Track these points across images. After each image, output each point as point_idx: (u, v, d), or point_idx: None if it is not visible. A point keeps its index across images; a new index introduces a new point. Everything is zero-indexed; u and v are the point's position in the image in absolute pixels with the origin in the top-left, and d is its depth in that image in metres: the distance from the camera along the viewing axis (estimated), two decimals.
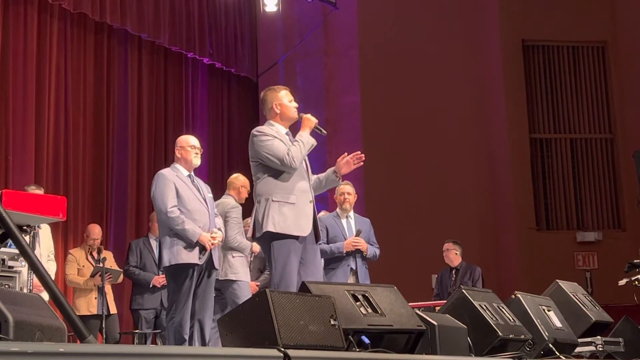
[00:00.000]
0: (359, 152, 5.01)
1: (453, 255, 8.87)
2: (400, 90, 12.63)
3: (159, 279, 7.96)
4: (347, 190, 7.19)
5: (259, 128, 5.00)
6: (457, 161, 12.58)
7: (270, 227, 4.75)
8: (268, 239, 4.79)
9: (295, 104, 5.08)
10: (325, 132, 5.12)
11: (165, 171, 5.76)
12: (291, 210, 4.78)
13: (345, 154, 5.03)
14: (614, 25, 13.23)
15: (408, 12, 12.95)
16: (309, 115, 5.00)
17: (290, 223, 4.76)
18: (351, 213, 7.21)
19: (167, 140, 11.20)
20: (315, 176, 5.15)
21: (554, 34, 13.15)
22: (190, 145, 5.82)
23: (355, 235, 6.92)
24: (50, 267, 6.93)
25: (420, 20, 12.96)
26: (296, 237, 4.78)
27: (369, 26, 12.84)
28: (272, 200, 4.80)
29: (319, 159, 5.38)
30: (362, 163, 5.02)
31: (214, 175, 11.80)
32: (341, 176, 5.08)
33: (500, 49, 12.91)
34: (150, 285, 8.12)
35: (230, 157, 12.47)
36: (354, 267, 6.93)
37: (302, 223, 4.79)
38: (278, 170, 4.85)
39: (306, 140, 4.89)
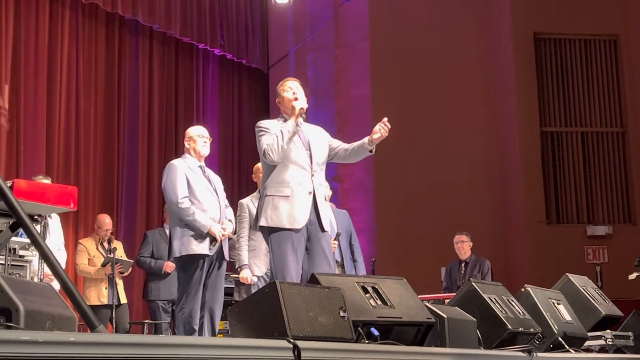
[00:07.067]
0: (385, 119, 4.80)
1: (467, 247, 8.86)
2: (411, 83, 12.60)
3: (170, 265, 7.88)
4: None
5: (260, 122, 4.96)
6: (467, 154, 12.54)
7: (262, 222, 4.76)
8: (266, 232, 4.80)
9: (295, 94, 4.91)
10: (305, 116, 4.96)
11: (176, 161, 5.75)
12: (285, 202, 4.73)
13: (386, 119, 4.79)
14: (626, 19, 13.14)
15: (419, 5, 12.91)
16: (295, 103, 4.86)
17: (283, 216, 4.71)
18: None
19: (177, 131, 11.21)
20: (348, 145, 5.01)
21: (565, 27, 13.07)
22: (197, 134, 5.80)
23: (334, 239, 6.81)
24: (61, 257, 6.94)
25: (431, 13, 12.91)
26: (291, 229, 4.73)
27: (379, 18, 12.81)
28: (267, 195, 4.79)
29: None
30: (387, 133, 4.79)
31: (224, 166, 11.84)
32: (374, 147, 4.85)
33: (512, 41, 12.84)
34: (162, 272, 8.12)
35: (241, 149, 12.49)
36: (339, 260, 6.90)
37: (297, 215, 4.72)
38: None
39: (287, 130, 4.77)
